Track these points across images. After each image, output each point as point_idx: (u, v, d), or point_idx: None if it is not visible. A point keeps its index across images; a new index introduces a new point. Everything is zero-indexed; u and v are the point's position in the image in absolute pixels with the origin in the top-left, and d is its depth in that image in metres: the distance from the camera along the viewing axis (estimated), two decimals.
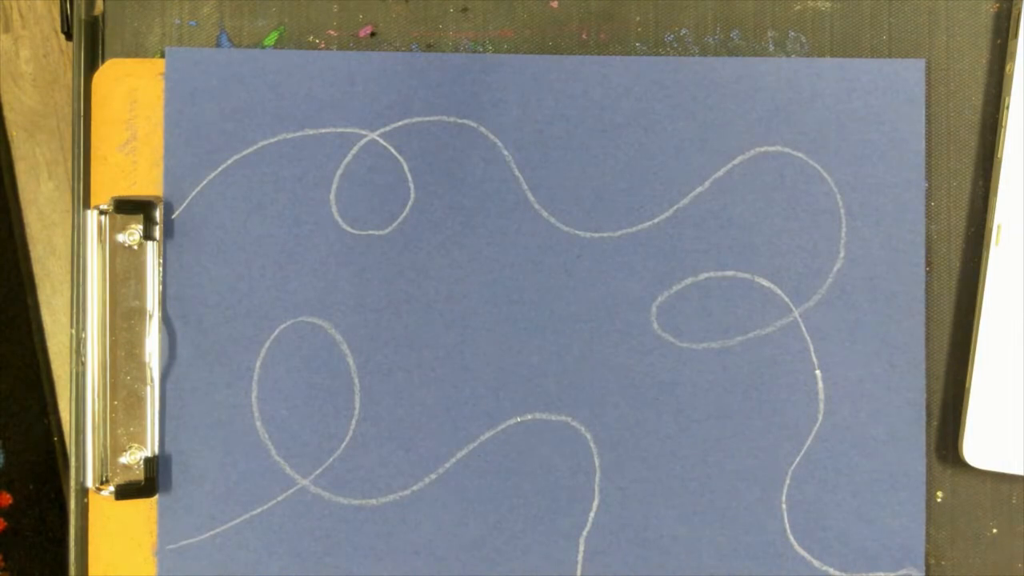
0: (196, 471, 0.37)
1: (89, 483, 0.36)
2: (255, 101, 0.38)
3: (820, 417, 0.38)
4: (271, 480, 0.37)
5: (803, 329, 0.38)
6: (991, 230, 0.37)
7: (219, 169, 0.38)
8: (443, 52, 0.38)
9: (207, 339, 0.37)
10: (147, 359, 0.37)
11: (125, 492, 0.36)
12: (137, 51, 0.38)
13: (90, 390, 0.36)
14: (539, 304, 0.38)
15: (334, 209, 0.38)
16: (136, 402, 0.37)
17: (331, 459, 0.37)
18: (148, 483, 0.37)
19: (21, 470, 0.44)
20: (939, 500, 0.38)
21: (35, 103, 0.45)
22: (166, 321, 0.37)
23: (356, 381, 0.38)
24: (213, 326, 0.37)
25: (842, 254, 0.38)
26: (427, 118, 0.38)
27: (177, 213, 0.37)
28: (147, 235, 0.37)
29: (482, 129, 0.38)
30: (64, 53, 0.45)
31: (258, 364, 0.38)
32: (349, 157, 0.38)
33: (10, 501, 0.44)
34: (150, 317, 0.37)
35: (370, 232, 0.38)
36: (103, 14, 0.38)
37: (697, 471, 0.38)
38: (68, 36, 0.38)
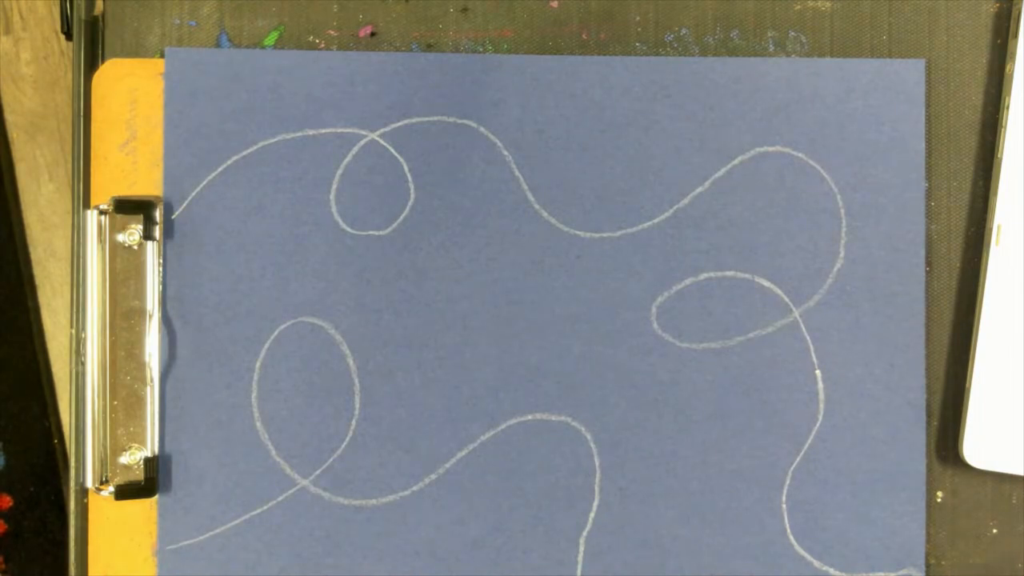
0: (196, 471, 0.37)
1: (89, 483, 0.36)
2: (255, 101, 0.38)
3: (820, 417, 0.38)
4: (271, 480, 0.37)
5: (803, 329, 0.38)
6: (991, 230, 0.37)
7: (219, 169, 0.38)
8: (443, 52, 0.38)
9: (207, 339, 0.37)
10: (147, 359, 0.37)
11: (125, 492, 0.36)
12: (137, 51, 0.38)
13: (90, 390, 0.36)
14: (539, 304, 0.38)
15: (334, 209, 0.38)
16: (136, 402, 0.37)
17: (331, 459, 0.37)
18: (148, 483, 0.37)
19: (21, 472, 0.44)
20: (939, 500, 0.38)
21: (35, 105, 0.45)
22: (166, 321, 0.37)
23: (356, 381, 0.38)
24: (213, 326, 0.37)
25: (842, 254, 0.38)
26: (427, 118, 0.38)
27: (177, 213, 0.38)
28: (147, 235, 0.37)
29: (482, 129, 0.38)
30: (65, 55, 0.45)
31: (258, 364, 0.37)
32: (349, 157, 0.38)
33: (10, 503, 0.44)
34: (150, 317, 0.37)
35: (370, 232, 0.38)
36: (103, 14, 0.38)
37: (697, 471, 0.38)
38: (68, 36, 0.38)
